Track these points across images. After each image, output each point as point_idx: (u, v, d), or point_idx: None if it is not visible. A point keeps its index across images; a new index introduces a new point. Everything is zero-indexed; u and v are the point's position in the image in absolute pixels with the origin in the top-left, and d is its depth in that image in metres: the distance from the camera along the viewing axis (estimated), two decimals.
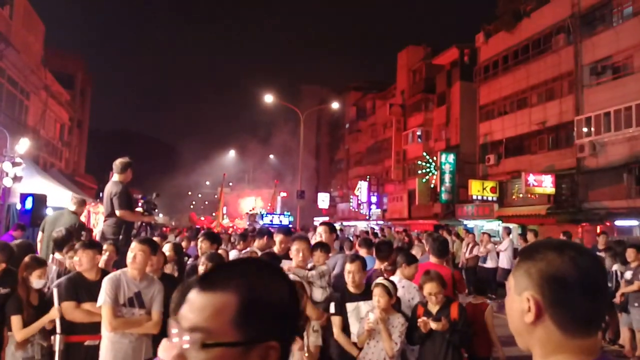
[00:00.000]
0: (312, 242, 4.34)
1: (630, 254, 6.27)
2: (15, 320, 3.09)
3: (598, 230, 11.45)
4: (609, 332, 6.87)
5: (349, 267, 3.45)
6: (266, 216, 23.80)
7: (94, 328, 3.07)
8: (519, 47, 20.80)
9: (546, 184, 17.79)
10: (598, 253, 7.59)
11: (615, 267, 6.65)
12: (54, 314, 3.09)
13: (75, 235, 4.34)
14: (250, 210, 30.31)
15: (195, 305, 0.73)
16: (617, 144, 15.74)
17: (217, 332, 0.71)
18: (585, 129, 16.58)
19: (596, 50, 16.94)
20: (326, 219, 35.54)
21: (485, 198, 20.58)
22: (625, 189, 15.60)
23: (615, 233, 14.57)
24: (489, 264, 10.62)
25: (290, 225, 21.39)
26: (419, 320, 3.22)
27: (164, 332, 1.53)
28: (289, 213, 25.93)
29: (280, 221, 22.15)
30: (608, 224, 15.26)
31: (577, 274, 0.85)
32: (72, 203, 5.36)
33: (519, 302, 0.89)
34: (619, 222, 15.30)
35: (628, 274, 6.24)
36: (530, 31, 20.12)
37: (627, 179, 15.64)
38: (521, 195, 19.24)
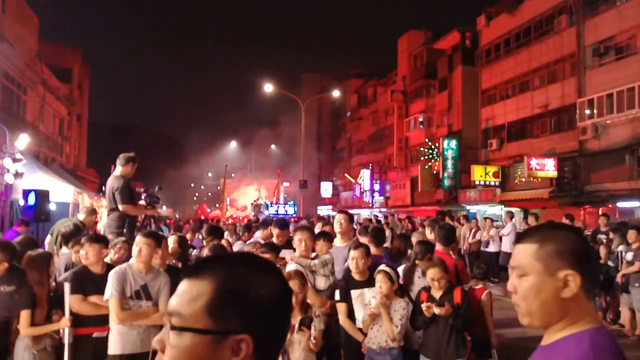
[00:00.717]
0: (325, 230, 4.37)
1: (631, 235, 6.29)
2: (25, 315, 3.09)
3: (600, 212, 11.45)
4: (610, 312, 6.93)
5: (352, 253, 3.49)
6: (271, 206, 23.93)
7: (102, 320, 3.12)
8: (520, 29, 20.50)
9: (548, 168, 17.72)
10: (600, 235, 7.64)
11: (620, 247, 6.68)
12: (64, 323, 3.10)
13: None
14: (255, 201, 30.42)
15: (179, 291, 0.75)
16: (620, 125, 15.62)
17: (190, 317, 0.71)
18: (587, 111, 16.42)
19: (599, 30, 16.66)
20: (329, 207, 35.67)
21: (487, 183, 20.54)
22: (628, 170, 15.53)
23: (617, 215, 14.57)
24: (492, 248, 10.68)
25: (294, 215, 21.51)
26: (422, 304, 3.25)
27: None
28: (292, 203, 26.03)
29: (286, 211, 22.29)
30: (610, 205, 15.26)
31: (588, 247, 1.03)
32: (82, 212, 5.40)
33: (552, 282, 0.97)
34: (621, 204, 15.28)
35: (629, 255, 6.28)
36: (532, 12, 19.79)
37: (629, 161, 15.56)
38: (524, 180, 19.20)
